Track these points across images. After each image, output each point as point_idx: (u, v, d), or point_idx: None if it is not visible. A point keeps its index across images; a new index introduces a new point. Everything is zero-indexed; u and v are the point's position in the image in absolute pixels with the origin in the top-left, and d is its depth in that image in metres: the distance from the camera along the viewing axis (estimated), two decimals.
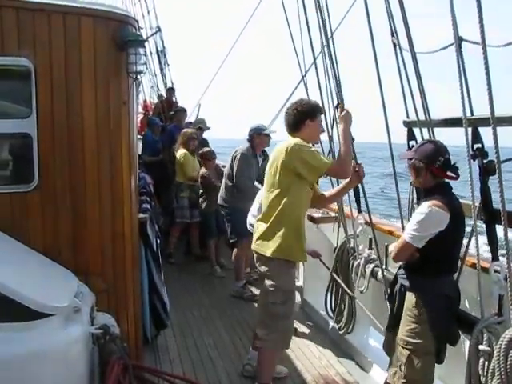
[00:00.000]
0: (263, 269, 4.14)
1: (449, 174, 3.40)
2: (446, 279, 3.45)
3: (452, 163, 3.40)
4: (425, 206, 3.32)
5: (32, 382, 2.92)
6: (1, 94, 3.98)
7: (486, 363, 3.04)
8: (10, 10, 3.71)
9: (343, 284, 5.11)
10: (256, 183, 6.79)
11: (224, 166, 7.76)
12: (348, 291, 5.06)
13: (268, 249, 4.06)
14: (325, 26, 4.37)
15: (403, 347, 3.45)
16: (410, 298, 3.48)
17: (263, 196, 4.29)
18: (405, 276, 3.58)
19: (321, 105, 4.48)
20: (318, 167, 3.99)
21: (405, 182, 4.49)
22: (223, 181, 7.21)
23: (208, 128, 9.41)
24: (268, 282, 4.11)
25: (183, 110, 10.29)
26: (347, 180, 4.25)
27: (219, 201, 7.21)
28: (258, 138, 6.89)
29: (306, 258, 4.31)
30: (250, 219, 5.86)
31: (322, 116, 4.36)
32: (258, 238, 4.16)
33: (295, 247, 4.08)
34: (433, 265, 3.39)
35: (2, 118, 3.89)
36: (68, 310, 3.14)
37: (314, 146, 4.41)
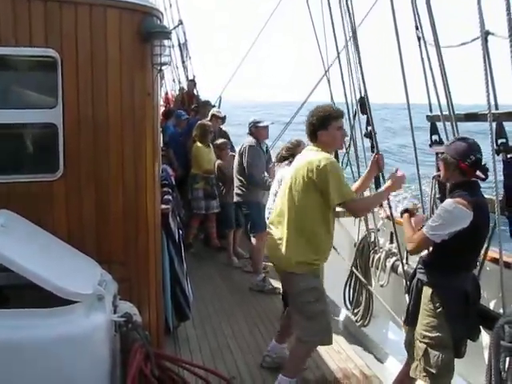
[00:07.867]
0: (283, 278, 4.13)
1: (478, 173, 3.38)
2: (463, 275, 3.45)
3: (482, 164, 3.37)
4: (449, 203, 3.32)
5: (55, 366, 2.97)
6: (28, 84, 4.05)
7: (508, 359, 3.02)
8: (38, 2, 3.76)
9: (362, 277, 5.11)
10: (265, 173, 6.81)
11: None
12: (367, 285, 5.06)
13: (285, 262, 3.97)
14: (350, 19, 4.37)
15: (420, 341, 3.49)
16: (427, 293, 3.50)
17: (276, 205, 4.14)
18: (422, 270, 3.59)
19: (344, 101, 4.40)
20: (345, 194, 3.80)
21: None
22: (234, 177, 7.18)
23: (223, 117, 9.18)
24: (292, 288, 4.06)
25: (207, 104, 10.11)
26: (367, 171, 4.23)
27: (235, 198, 7.18)
28: (257, 130, 6.94)
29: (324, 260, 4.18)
30: (268, 214, 5.89)
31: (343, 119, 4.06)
32: (274, 249, 4.03)
33: (312, 261, 3.96)
34: (450, 260, 3.40)
35: (29, 108, 3.95)
36: (92, 298, 3.19)
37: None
